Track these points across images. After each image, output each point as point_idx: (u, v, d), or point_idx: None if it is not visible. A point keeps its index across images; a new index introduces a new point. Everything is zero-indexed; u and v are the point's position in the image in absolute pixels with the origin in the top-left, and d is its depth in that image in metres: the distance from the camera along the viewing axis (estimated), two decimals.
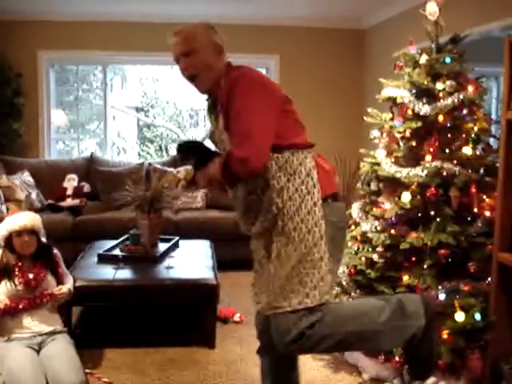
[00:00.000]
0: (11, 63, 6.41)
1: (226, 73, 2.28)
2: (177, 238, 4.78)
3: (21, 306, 3.06)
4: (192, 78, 2.28)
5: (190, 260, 4.31)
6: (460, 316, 3.06)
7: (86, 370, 3.18)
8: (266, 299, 2.28)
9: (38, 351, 3.00)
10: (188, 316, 4.19)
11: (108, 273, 3.91)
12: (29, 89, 6.64)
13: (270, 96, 2.22)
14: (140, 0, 6.15)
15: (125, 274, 3.96)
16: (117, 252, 4.32)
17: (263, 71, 7.46)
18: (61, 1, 6.13)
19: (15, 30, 6.58)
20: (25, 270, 3.13)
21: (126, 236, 4.58)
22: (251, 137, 2.10)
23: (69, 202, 5.99)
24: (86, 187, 6.21)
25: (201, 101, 8.79)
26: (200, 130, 11.27)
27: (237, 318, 4.31)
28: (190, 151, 2.33)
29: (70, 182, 6.17)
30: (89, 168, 6.44)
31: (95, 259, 4.18)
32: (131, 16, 6.67)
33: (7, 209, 5.38)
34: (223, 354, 3.76)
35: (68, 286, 3.33)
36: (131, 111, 11.28)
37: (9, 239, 3.16)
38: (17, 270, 3.12)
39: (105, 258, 4.19)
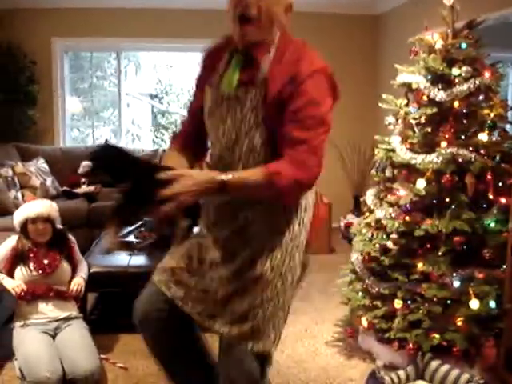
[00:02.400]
0: (25, 51, 6.42)
1: (284, 42, 1.84)
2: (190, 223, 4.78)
3: (37, 293, 3.10)
4: (246, 20, 1.75)
5: None
6: (474, 303, 3.05)
7: (101, 356, 3.21)
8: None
9: (53, 337, 3.04)
10: None
11: (123, 259, 3.93)
12: (43, 76, 6.65)
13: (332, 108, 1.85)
14: None
15: (139, 260, 3.97)
16: (131, 238, 4.34)
17: None
18: None
19: (29, 17, 6.59)
20: (40, 256, 3.16)
21: (140, 222, 4.59)
22: (317, 154, 1.73)
23: (84, 188, 6.01)
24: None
25: None
26: None
27: None
28: (109, 162, 1.70)
29: (85, 169, 6.19)
30: None
31: None
32: (145, 2, 6.65)
33: (23, 195, 5.42)
34: None
35: (82, 274, 3.36)
36: (145, 98, 11.27)
37: (24, 225, 3.19)
38: (32, 255, 3.15)
39: (120, 245, 4.20)
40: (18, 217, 3.22)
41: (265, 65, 1.79)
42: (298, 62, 1.77)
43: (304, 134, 1.71)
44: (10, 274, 3.14)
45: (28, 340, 2.93)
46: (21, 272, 3.12)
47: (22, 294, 3.06)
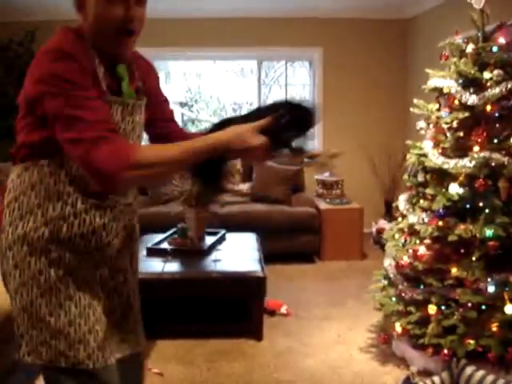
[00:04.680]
0: None
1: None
2: (223, 231, 4.83)
3: None
4: (132, 33, 1.69)
5: (237, 253, 4.35)
6: (510, 308, 3.02)
7: None
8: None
9: None
10: (235, 308, 4.23)
11: (157, 266, 3.99)
12: None
13: None
14: None
15: (173, 267, 4.03)
16: (165, 245, 4.39)
17: (306, 64, 7.46)
18: None
19: None
20: None
21: (173, 229, 4.65)
22: None
23: None
24: None
25: (244, 94, 8.81)
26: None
27: (284, 310, 4.34)
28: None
29: None
30: None
31: (144, 252, 4.26)
32: (174, 12, 6.73)
33: None
34: (271, 345, 3.80)
35: None
36: (176, 106, 11.40)
37: None
38: None
39: (153, 252, 4.26)
40: None
41: (135, 71, 1.83)
42: (149, 63, 1.97)
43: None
44: None
45: None
46: None
47: None
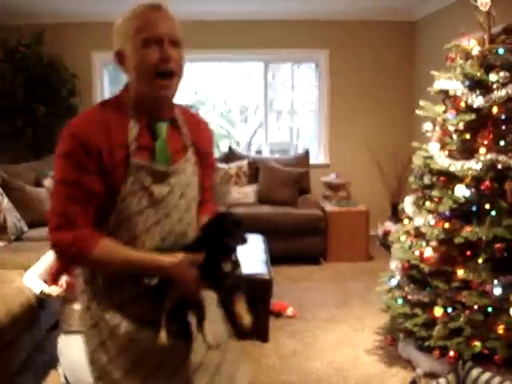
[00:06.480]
0: (66, 64, 6.55)
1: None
2: None
3: None
4: (171, 75, 1.70)
5: (244, 254, 4.34)
6: None
7: None
8: None
9: None
10: None
11: None
12: (83, 89, 6.76)
13: None
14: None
15: None
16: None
17: (313, 66, 7.47)
18: (113, 2, 6.27)
19: (70, 31, 6.73)
20: None
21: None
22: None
23: None
24: None
25: (250, 97, 8.82)
26: (249, 126, 11.32)
27: (290, 312, 4.34)
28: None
29: None
30: None
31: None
32: (180, 15, 6.73)
33: None
34: (276, 347, 3.80)
35: None
36: None
37: None
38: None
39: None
40: None
41: (183, 126, 1.80)
42: (201, 121, 1.94)
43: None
44: (56, 285, 3.21)
45: (73, 346, 2.99)
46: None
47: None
